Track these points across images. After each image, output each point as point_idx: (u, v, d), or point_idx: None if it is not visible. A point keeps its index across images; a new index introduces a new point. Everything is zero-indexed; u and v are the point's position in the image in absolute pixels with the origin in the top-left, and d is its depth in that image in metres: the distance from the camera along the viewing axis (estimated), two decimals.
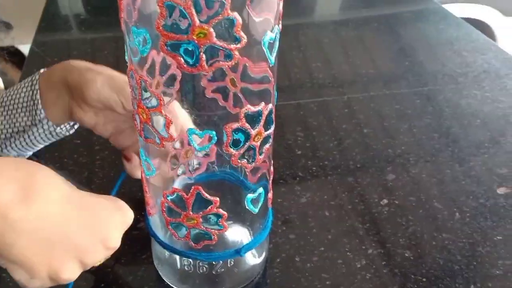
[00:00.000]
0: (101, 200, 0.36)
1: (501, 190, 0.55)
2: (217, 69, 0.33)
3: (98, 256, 0.35)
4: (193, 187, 0.35)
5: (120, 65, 0.81)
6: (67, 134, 0.54)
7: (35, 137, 0.51)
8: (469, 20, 0.97)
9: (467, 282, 0.45)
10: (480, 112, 0.69)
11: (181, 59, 0.29)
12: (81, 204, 0.34)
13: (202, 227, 0.37)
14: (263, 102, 0.34)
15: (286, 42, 0.85)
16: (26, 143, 0.52)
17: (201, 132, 0.34)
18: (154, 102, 0.33)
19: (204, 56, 0.29)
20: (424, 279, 0.45)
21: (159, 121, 0.34)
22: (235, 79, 0.35)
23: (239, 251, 0.40)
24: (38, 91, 0.49)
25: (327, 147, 0.62)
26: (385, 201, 0.54)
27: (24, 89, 0.51)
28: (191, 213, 0.36)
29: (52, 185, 0.33)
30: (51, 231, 0.32)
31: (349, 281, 0.45)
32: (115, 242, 0.36)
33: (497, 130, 0.65)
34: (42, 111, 0.50)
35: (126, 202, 0.52)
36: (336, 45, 0.89)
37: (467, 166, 0.59)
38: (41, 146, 0.55)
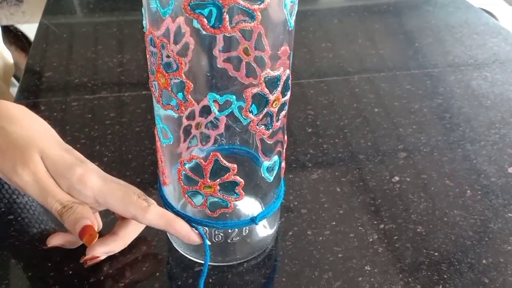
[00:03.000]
0: None
1: None
2: (230, 38, 0.33)
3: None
4: (211, 153, 0.35)
5: (124, 49, 0.81)
6: None
7: None
8: None
9: (479, 256, 0.45)
10: (491, 93, 0.68)
11: (204, 20, 0.29)
12: None
13: (219, 194, 0.37)
14: (281, 67, 0.34)
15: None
16: None
17: (221, 96, 0.33)
18: (173, 66, 0.33)
19: (227, 16, 0.29)
20: (436, 254, 0.45)
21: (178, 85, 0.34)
22: (249, 48, 0.35)
23: (254, 219, 0.40)
24: None
25: (337, 125, 0.62)
26: (397, 178, 0.54)
27: None
28: (208, 180, 0.36)
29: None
30: None
31: (361, 254, 0.45)
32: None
33: (508, 111, 0.65)
34: None
35: (139, 176, 0.53)
36: (346, 26, 0.89)
37: (478, 145, 0.59)
38: None
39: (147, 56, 0.36)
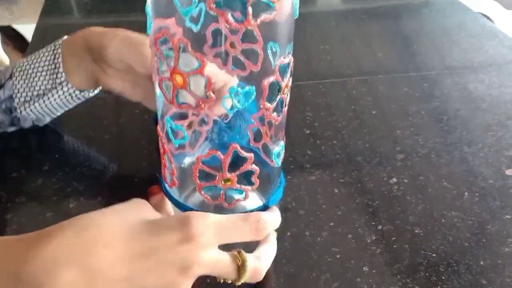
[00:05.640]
0: (164, 235, 0.34)
1: (509, 172, 0.55)
2: (219, 34, 0.34)
3: (185, 284, 0.34)
4: (231, 146, 0.36)
5: None
6: (88, 97, 0.55)
7: (54, 99, 0.53)
8: None
9: (477, 258, 0.45)
10: (488, 96, 0.69)
11: (229, 15, 0.30)
12: (144, 250, 0.33)
13: (237, 185, 0.37)
14: (290, 54, 0.35)
15: None
16: (45, 106, 0.53)
17: (241, 89, 0.34)
18: (194, 63, 0.33)
19: (251, 10, 0.30)
20: (434, 255, 0.45)
21: (199, 83, 0.34)
22: (235, 42, 0.36)
23: (266, 205, 0.40)
24: (61, 55, 0.51)
25: (335, 127, 0.62)
26: (394, 180, 0.54)
27: (46, 53, 0.52)
28: (227, 173, 0.37)
29: (109, 249, 0.32)
30: None
31: (359, 256, 0.45)
32: (197, 269, 0.34)
33: (504, 114, 0.65)
34: (63, 74, 0.51)
35: (136, 176, 0.52)
36: (343, 29, 0.89)
37: (475, 147, 0.59)
38: (60, 111, 0.56)
39: (155, 58, 0.36)
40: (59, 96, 0.52)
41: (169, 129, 0.39)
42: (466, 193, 0.52)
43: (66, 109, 0.56)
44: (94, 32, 0.51)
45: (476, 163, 0.56)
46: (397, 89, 0.70)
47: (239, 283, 0.37)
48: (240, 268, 0.36)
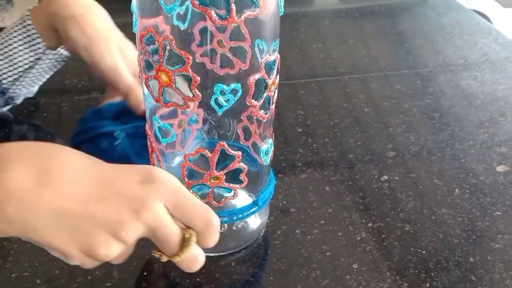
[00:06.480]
0: (125, 171, 0.33)
1: (500, 168, 0.55)
2: (205, 33, 0.34)
3: (132, 229, 0.32)
4: (218, 144, 0.36)
5: None
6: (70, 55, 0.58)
7: (43, 69, 0.55)
8: None
9: (467, 254, 0.45)
10: (481, 93, 0.69)
11: (212, 12, 0.30)
12: (102, 178, 0.32)
13: (225, 184, 0.38)
14: (276, 52, 0.35)
15: (284, 30, 0.85)
16: (35, 77, 0.56)
17: (227, 87, 0.34)
18: (179, 62, 0.34)
19: (234, 7, 0.30)
20: (423, 252, 0.45)
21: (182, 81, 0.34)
22: (223, 40, 0.36)
23: (256, 203, 0.41)
24: (33, 27, 0.53)
25: (327, 125, 0.62)
26: (385, 177, 0.54)
27: (16, 29, 0.54)
28: (215, 171, 0.37)
29: (68, 165, 0.32)
30: (71, 209, 0.31)
31: (349, 253, 0.45)
32: (148, 214, 0.32)
33: (497, 111, 0.65)
34: (43, 43, 0.54)
35: None
36: (337, 27, 0.89)
37: (467, 144, 0.59)
38: (46, 78, 0.59)
39: (140, 56, 0.36)
40: (46, 64, 0.55)
41: (157, 128, 0.39)
42: (456, 190, 0.52)
43: (52, 73, 0.58)
44: (57, 13, 0.53)
45: (468, 160, 0.57)
46: (390, 87, 0.70)
47: (178, 259, 0.34)
48: (186, 241, 0.34)
